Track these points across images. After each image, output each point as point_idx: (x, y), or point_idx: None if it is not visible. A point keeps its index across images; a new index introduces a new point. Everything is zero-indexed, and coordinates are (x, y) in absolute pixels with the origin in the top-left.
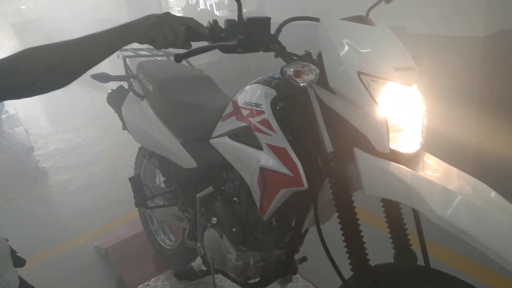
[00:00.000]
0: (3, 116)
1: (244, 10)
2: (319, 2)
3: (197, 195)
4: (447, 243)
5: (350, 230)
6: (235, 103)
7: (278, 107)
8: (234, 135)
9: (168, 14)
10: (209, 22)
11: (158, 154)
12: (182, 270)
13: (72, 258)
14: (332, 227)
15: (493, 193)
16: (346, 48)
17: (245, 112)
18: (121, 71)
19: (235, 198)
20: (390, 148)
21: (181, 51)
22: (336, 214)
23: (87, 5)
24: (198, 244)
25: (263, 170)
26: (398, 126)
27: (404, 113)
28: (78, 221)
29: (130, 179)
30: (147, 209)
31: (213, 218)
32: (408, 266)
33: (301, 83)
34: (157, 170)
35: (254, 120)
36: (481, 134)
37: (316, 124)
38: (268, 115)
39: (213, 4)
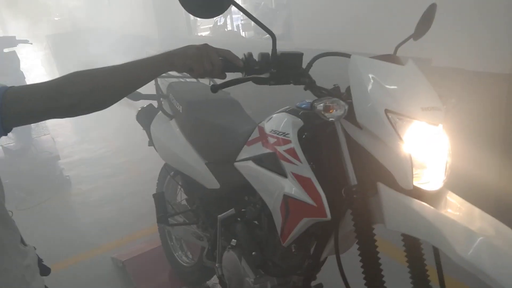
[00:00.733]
0: (32, 124)
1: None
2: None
3: (219, 216)
4: (465, 279)
5: (370, 263)
6: (261, 130)
7: (304, 137)
8: (259, 160)
9: (206, 46)
10: (244, 55)
11: (182, 172)
12: None
13: (90, 268)
14: (351, 258)
15: None
16: (375, 85)
17: (271, 140)
18: (152, 90)
19: (256, 222)
20: (413, 185)
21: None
22: (356, 246)
23: (118, 21)
24: (217, 264)
25: (287, 198)
26: (422, 164)
27: (429, 151)
28: (97, 232)
29: (154, 196)
30: (168, 226)
31: (233, 239)
32: None
33: (330, 118)
34: (180, 187)
35: (281, 149)
36: (504, 175)
37: (341, 156)
38: (295, 144)
39: (240, 26)
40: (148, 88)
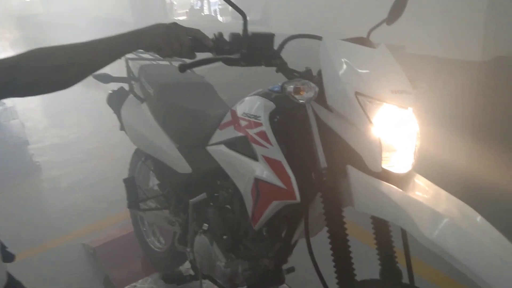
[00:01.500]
0: (0, 108)
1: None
2: (322, 17)
3: (190, 200)
4: (432, 261)
5: (339, 245)
6: (233, 113)
7: (276, 120)
8: (231, 144)
9: (175, 24)
10: (214, 35)
11: (153, 157)
12: (170, 273)
13: (60, 254)
14: (322, 240)
15: (479, 218)
16: (346, 68)
17: (243, 123)
18: (123, 73)
19: (228, 206)
20: (382, 168)
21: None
22: (326, 228)
23: (91, 3)
24: (188, 249)
25: (258, 181)
26: (391, 147)
27: (398, 134)
28: (68, 218)
29: (125, 180)
30: (139, 211)
31: (205, 224)
32: (393, 283)
33: (300, 100)
34: (151, 172)
35: (252, 132)
36: (472, 159)
37: (311, 139)
38: (266, 127)
39: (217, 10)
40: (119, 71)
